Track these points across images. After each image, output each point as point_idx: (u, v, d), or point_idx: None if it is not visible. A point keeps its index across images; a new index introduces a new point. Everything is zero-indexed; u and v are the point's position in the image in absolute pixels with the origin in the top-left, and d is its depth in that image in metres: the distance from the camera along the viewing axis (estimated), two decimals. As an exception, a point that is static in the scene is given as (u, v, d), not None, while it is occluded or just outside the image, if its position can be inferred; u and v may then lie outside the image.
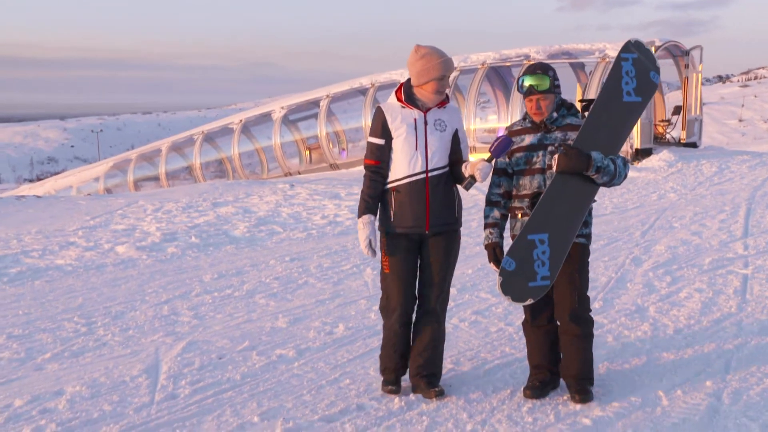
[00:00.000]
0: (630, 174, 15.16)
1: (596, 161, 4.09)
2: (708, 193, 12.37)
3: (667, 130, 19.91)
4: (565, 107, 4.33)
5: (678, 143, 19.48)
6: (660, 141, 19.36)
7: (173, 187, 19.47)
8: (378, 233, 4.40)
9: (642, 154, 17.39)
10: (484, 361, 5.00)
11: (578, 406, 4.19)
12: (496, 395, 4.42)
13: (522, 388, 4.39)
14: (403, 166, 4.31)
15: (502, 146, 4.23)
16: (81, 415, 4.40)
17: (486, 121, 20.57)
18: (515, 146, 4.32)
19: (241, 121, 23.45)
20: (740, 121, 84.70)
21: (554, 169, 4.12)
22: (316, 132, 21.99)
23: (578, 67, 19.53)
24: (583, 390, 4.22)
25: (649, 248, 8.20)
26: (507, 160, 4.36)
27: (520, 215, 4.30)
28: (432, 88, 4.31)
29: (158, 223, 11.59)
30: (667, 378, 4.56)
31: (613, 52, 18.25)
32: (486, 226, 4.39)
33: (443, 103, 4.40)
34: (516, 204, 4.34)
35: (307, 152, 22.47)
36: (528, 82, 4.21)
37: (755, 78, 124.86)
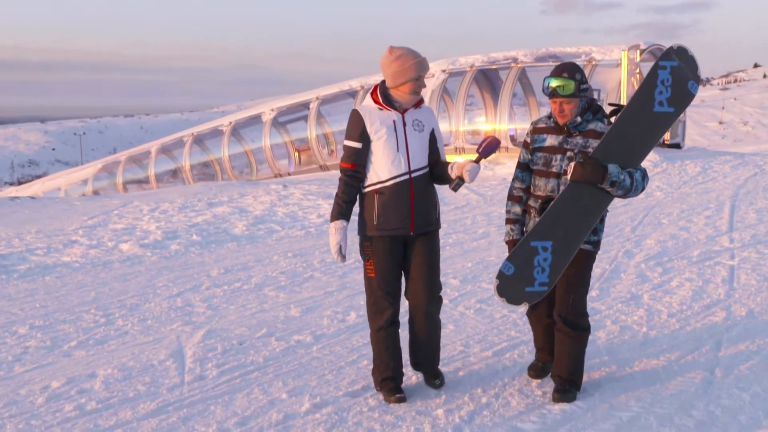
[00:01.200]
0: (616, 174, 15.69)
1: (612, 175, 4.04)
2: (693, 192, 12.85)
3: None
4: (591, 111, 4.26)
5: (662, 144, 20.01)
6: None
7: (166, 188, 19.70)
8: (348, 239, 4.39)
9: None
10: (492, 343, 5.37)
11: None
12: (506, 373, 4.80)
13: (527, 368, 4.69)
14: (386, 168, 4.32)
15: (490, 147, 4.28)
16: (118, 395, 4.72)
17: (473, 123, 21.00)
18: (536, 145, 4.33)
19: (230, 123, 23.77)
20: (720, 123, 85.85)
21: (568, 177, 4.10)
22: (305, 134, 22.34)
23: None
24: (563, 390, 4.27)
25: (640, 242, 8.63)
26: (530, 156, 4.38)
27: (533, 214, 4.34)
28: (408, 88, 4.32)
29: (157, 222, 11.85)
30: (664, 356, 4.96)
31: (599, 56, 18.76)
32: (507, 221, 4.44)
33: (419, 103, 4.44)
34: (531, 203, 4.37)
35: (297, 154, 22.82)
36: (553, 83, 4.18)
37: (735, 81, 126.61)
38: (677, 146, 20.37)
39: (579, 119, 4.22)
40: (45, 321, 6.47)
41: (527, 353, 5.10)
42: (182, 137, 24.66)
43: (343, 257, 4.36)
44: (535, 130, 4.38)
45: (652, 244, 8.48)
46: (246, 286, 7.52)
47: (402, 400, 4.36)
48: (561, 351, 4.32)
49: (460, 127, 19.92)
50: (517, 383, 4.62)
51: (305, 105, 22.51)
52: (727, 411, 4.12)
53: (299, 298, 6.92)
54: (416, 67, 4.30)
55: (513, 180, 4.45)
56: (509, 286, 4.16)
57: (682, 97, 4.21)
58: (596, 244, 4.33)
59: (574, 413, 4.16)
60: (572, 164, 4.07)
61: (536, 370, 4.61)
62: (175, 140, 24.86)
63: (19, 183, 57.37)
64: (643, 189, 4.26)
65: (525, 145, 4.44)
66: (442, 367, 4.76)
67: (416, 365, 4.61)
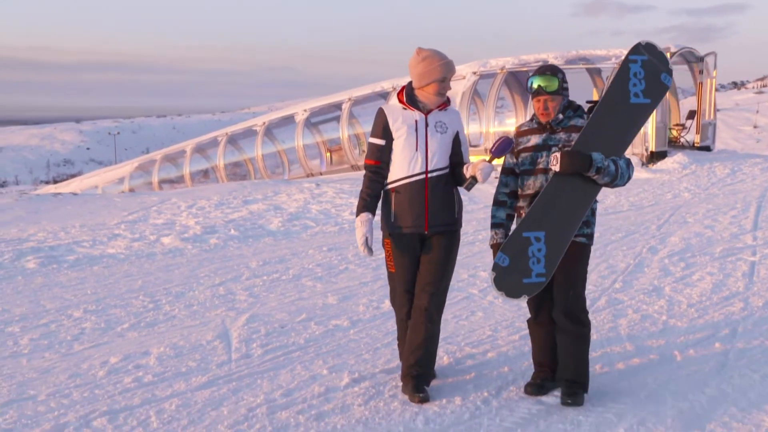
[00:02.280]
0: (645, 175, 15.91)
1: (596, 162, 4.14)
2: (720, 193, 13.07)
3: (682, 134, 20.60)
4: (572, 109, 4.40)
5: (692, 147, 20.18)
6: (674, 144, 20.05)
7: (201, 186, 20.27)
8: (373, 232, 4.48)
9: (657, 156, 18.13)
10: (519, 328, 5.72)
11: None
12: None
13: (524, 385, 4.55)
14: (403, 167, 4.41)
15: (502, 147, 4.35)
16: (171, 369, 5.15)
17: (503, 125, 21.32)
18: (521, 146, 4.43)
19: (264, 123, 24.33)
20: (755, 127, 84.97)
21: (555, 168, 4.17)
22: (337, 134, 22.84)
23: (594, 73, 20.32)
24: (573, 393, 4.28)
25: (665, 239, 8.92)
26: (514, 160, 4.46)
27: (524, 215, 4.38)
28: (433, 90, 4.41)
29: (195, 218, 12.34)
30: (681, 341, 5.30)
31: (628, 58, 18.92)
32: (492, 226, 4.51)
33: (444, 105, 4.50)
34: (520, 203, 4.44)
35: (328, 154, 23.32)
36: (537, 83, 4.31)
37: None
38: (707, 149, 20.52)
39: (561, 116, 4.35)
40: (97, 306, 6.93)
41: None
42: (216, 137, 25.30)
43: (370, 250, 4.43)
44: (519, 134, 4.49)
45: (677, 241, 8.77)
46: (284, 276, 7.94)
47: (425, 400, 4.36)
48: (565, 354, 4.34)
49: (491, 128, 20.27)
50: (541, 363, 4.97)
51: (337, 106, 23.00)
52: (737, 389, 4.45)
53: (335, 288, 7.32)
54: (442, 68, 4.39)
55: (498, 185, 4.53)
56: (506, 279, 4.20)
57: (657, 89, 4.34)
58: (590, 237, 4.38)
59: (595, 388, 4.50)
60: (557, 154, 4.16)
61: (534, 388, 4.48)
62: (210, 140, 25.52)
63: (55, 182, 58.60)
64: (629, 177, 4.30)
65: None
66: (471, 349, 5.12)
67: (404, 376, 4.50)
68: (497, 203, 4.50)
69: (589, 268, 7.15)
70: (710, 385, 4.50)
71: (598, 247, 8.57)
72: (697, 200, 12.29)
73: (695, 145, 20.25)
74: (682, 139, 20.57)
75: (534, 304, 4.49)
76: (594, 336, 5.49)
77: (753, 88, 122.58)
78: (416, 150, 4.38)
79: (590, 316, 5.83)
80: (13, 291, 7.64)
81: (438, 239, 4.46)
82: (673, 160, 17.37)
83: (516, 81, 20.72)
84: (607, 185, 4.26)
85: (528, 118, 4.63)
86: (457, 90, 19.86)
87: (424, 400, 4.35)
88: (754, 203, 11.57)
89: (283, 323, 6.14)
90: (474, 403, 4.38)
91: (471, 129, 20.10)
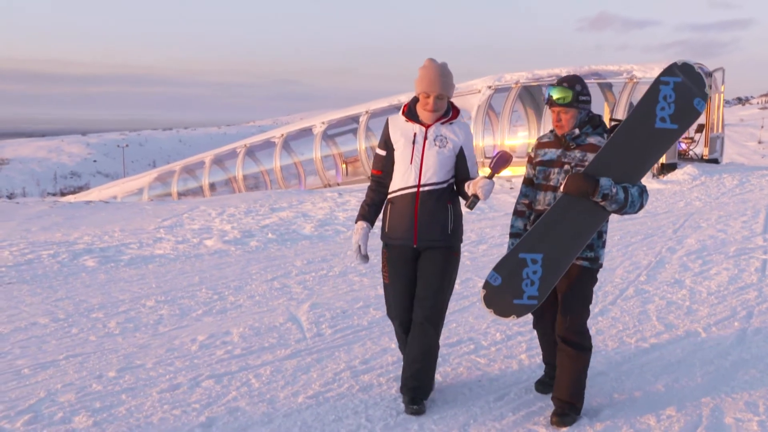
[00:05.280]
0: (657, 186, 16.77)
1: (603, 188, 4.03)
2: (730, 201, 13.93)
3: (691, 147, 21.50)
4: (591, 125, 4.31)
5: (701, 159, 21.09)
6: (683, 157, 20.95)
7: (224, 196, 21.10)
8: (368, 241, 4.58)
9: (667, 168, 19.06)
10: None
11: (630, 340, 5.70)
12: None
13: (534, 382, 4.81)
14: (398, 179, 4.48)
15: (500, 162, 4.32)
16: (255, 344, 5.96)
17: (516, 138, 22.23)
18: (538, 159, 4.42)
19: (282, 135, 25.28)
20: (759, 143, 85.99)
21: (561, 189, 4.16)
22: (352, 147, 23.78)
23: (606, 87, 21.26)
24: (563, 413, 4.29)
25: (681, 241, 9.77)
26: (533, 171, 4.46)
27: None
28: (421, 102, 4.43)
29: (229, 223, 13.15)
30: (704, 321, 6.15)
31: (639, 73, 19.97)
32: (510, 235, 4.54)
33: (450, 119, 4.47)
34: (532, 217, 4.45)
35: (344, 165, 24.25)
36: (552, 93, 4.27)
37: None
38: (715, 161, 21.42)
39: (577, 131, 4.29)
40: (166, 297, 7.74)
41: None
42: (235, 148, 26.25)
43: (364, 258, 4.56)
44: (539, 145, 4.49)
45: (693, 243, 9.62)
46: (331, 273, 8.75)
47: (419, 412, 4.46)
48: (561, 372, 4.35)
49: (505, 141, 21.19)
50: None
51: (355, 119, 23.96)
52: (755, 356, 5.29)
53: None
54: (424, 83, 4.37)
55: (519, 195, 4.56)
56: (497, 298, 4.18)
57: (687, 114, 4.13)
58: (593, 261, 4.30)
59: (632, 357, 5.32)
60: (567, 176, 4.14)
61: (543, 385, 4.67)
62: (229, 151, 26.47)
63: (62, 194, 59.44)
64: (641, 206, 4.17)
65: (529, 160, 4.53)
66: (477, 357, 5.90)
67: (402, 387, 4.62)
68: (516, 213, 4.52)
69: (614, 264, 8.03)
70: (732, 354, 5.34)
71: (621, 247, 9.41)
72: (708, 208, 13.14)
73: (704, 157, 21.16)
74: (691, 152, 21.46)
75: (535, 313, 4.57)
76: (626, 318, 6.35)
77: (758, 103, 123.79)
78: (410, 163, 4.42)
79: (619, 304, 6.74)
80: (82, 285, 8.44)
81: (431, 254, 4.48)
82: (683, 172, 18.25)
83: (529, 95, 21.65)
84: (615, 212, 4.14)
85: (548, 130, 4.62)
86: (473, 104, 20.75)
87: (419, 412, 4.45)
88: (763, 210, 12.44)
89: (344, 309, 6.95)
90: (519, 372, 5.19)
91: (486, 142, 21.03)
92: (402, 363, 4.79)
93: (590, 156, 4.19)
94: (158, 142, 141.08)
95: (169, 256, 10.12)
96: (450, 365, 5.36)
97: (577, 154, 4.24)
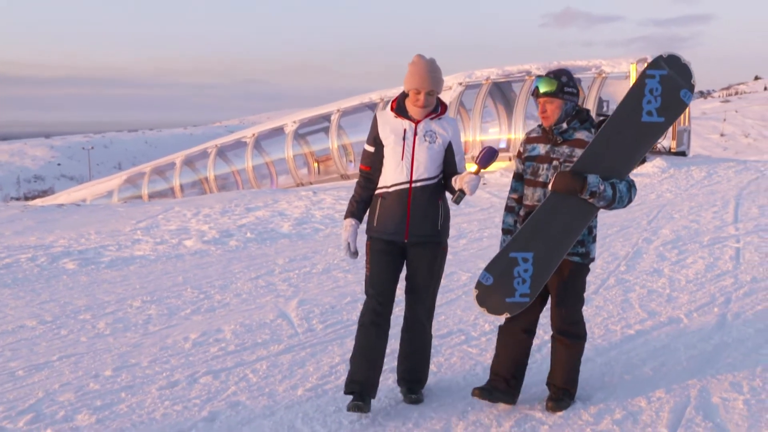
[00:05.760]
0: (627, 179, 17.14)
1: (591, 185, 4.09)
2: (700, 193, 14.28)
3: (659, 140, 21.93)
4: (579, 119, 4.34)
5: (668, 152, 21.51)
6: (652, 150, 21.35)
7: (199, 196, 21.07)
8: (358, 237, 4.64)
9: (636, 161, 19.44)
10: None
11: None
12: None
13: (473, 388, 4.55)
14: (389, 175, 4.52)
15: (486, 157, 4.36)
16: (248, 341, 6.06)
17: (487, 134, 22.47)
18: (527, 154, 4.46)
19: (254, 135, 25.30)
20: (722, 135, 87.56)
21: (549, 187, 4.22)
22: (325, 145, 23.88)
23: (578, 81, 21.55)
24: (558, 398, 4.41)
25: (656, 231, 10.04)
26: (522, 166, 4.51)
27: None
28: (412, 99, 4.48)
29: (206, 224, 13.16)
30: (685, 308, 6.38)
31: (608, 68, 20.33)
32: (503, 231, 4.58)
33: (438, 114, 4.53)
34: (521, 212, 4.51)
35: (316, 164, 24.34)
36: (538, 84, 4.33)
37: (736, 93, 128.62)
38: (683, 154, 21.86)
39: (564, 126, 4.33)
40: (152, 297, 7.78)
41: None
42: (206, 149, 26.21)
43: (353, 254, 4.63)
44: (528, 140, 4.52)
45: (667, 233, 9.88)
46: (314, 270, 8.84)
47: (359, 409, 4.35)
48: (557, 360, 4.45)
49: (477, 137, 21.42)
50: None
51: (326, 117, 24.05)
52: (736, 340, 5.52)
53: (367, 277, 8.25)
54: (416, 79, 4.41)
55: (509, 191, 4.60)
56: (489, 297, 4.25)
57: (674, 107, 4.19)
58: (584, 256, 4.39)
59: (618, 344, 5.51)
60: (555, 174, 4.20)
61: (482, 391, 4.45)
62: (200, 152, 26.41)
63: (26, 198, 58.59)
64: (630, 201, 4.26)
65: (518, 155, 4.57)
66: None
67: (399, 380, 4.71)
68: (507, 209, 4.57)
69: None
70: (714, 338, 5.56)
71: (598, 239, 9.62)
72: (679, 199, 13.46)
73: (671, 150, 21.59)
74: (658, 145, 21.87)
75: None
76: (609, 306, 6.55)
77: (719, 97, 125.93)
78: (401, 159, 4.47)
79: (602, 293, 6.95)
80: (65, 287, 8.45)
81: (420, 250, 4.54)
82: (652, 165, 18.62)
83: (500, 91, 21.90)
84: (604, 208, 4.23)
85: (533, 126, 4.65)
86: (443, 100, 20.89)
87: (417, 401, 4.58)
88: (732, 201, 12.78)
89: (332, 305, 7.05)
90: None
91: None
92: (395, 356, 4.88)
93: (578, 152, 4.23)
94: (123, 143, 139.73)
95: (150, 257, 10.14)
96: (443, 356, 5.51)
97: (565, 149, 4.30)
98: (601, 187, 4.10)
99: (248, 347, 5.90)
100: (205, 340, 6.14)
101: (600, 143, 4.16)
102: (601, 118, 4.55)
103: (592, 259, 4.50)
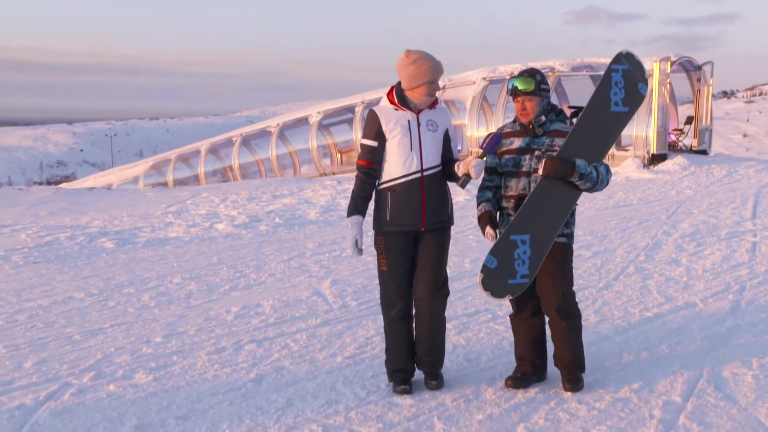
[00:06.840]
0: (648, 176, 17.44)
1: (580, 168, 4.43)
2: (720, 190, 14.58)
3: (680, 139, 22.18)
4: (554, 112, 4.67)
5: (690, 150, 21.77)
6: (673, 148, 21.63)
7: (221, 183, 21.58)
8: (363, 233, 4.76)
9: (657, 159, 19.74)
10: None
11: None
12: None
13: (505, 378, 4.83)
14: (398, 167, 4.61)
15: (492, 142, 4.59)
16: (287, 315, 6.49)
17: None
18: (504, 148, 4.69)
19: (278, 124, 25.80)
20: (744, 136, 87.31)
21: (540, 173, 4.47)
22: (348, 136, 24.33)
23: (597, 79, 21.87)
24: (573, 379, 4.65)
25: (675, 225, 10.40)
26: (498, 160, 4.71)
27: (506, 215, 4.69)
28: (424, 91, 4.62)
29: (234, 209, 13.64)
30: (701, 294, 6.76)
31: (631, 66, 20.51)
32: (479, 204, 4.76)
33: (433, 104, 4.73)
34: (504, 204, 4.70)
35: (339, 155, 24.81)
36: (516, 84, 4.60)
37: (760, 94, 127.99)
38: (704, 152, 22.12)
39: (543, 118, 4.64)
40: (191, 274, 8.24)
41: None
42: (231, 137, 26.74)
43: (360, 251, 4.75)
44: (504, 135, 4.76)
45: (686, 227, 10.24)
46: (344, 254, 9.26)
47: (407, 391, 4.66)
48: (561, 345, 4.67)
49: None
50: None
51: (350, 109, 24.50)
52: (749, 323, 5.90)
53: (395, 261, 8.66)
54: (431, 71, 4.59)
55: (482, 182, 4.82)
56: (493, 280, 4.47)
57: (635, 98, 4.65)
58: (570, 237, 4.70)
59: (636, 325, 5.89)
60: (544, 160, 4.47)
61: (516, 381, 4.75)
62: (225, 140, 26.95)
63: (48, 183, 59.46)
64: (607, 183, 4.61)
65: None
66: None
67: (417, 363, 4.84)
68: (482, 189, 4.78)
69: (614, 246, 8.62)
70: (727, 321, 5.94)
71: (618, 231, 10.01)
72: (699, 196, 13.78)
73: (693, 148, 21.85)
74: (680, 143, 22.14)
75: (516, 301, 4.78)
76: (629, 291, 6.93)
77: (743, 97, 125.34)
78: (411, 149, 4.59)
79: (622, 279, 7.33)
80: (106, 264, 8.93)
81: (432, 235, 4.69)
82: (673, 162, 18.91)
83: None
84: (587, 190, 4.57)
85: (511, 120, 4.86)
86: (467, 95, 21.30)
87: (438, 387, 4.73)
88: (751, 198, 13.09)
89: (364, 284, 7.48)
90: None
91: (480, 132, 21.60)
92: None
93: (558, 141, 4.57)
94: (145, 131, 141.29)
95: (184, 239, 10.60)
96: (471, 331, 5.92)
97: (546, 140, 4.59)
98: (588, 170, 4.47)
99: (287, 320, 6.34)
100: (246, 312, 6.58)
101: (579, 131, 4.55)
102: (573, 109, 4.86)
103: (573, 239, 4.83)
